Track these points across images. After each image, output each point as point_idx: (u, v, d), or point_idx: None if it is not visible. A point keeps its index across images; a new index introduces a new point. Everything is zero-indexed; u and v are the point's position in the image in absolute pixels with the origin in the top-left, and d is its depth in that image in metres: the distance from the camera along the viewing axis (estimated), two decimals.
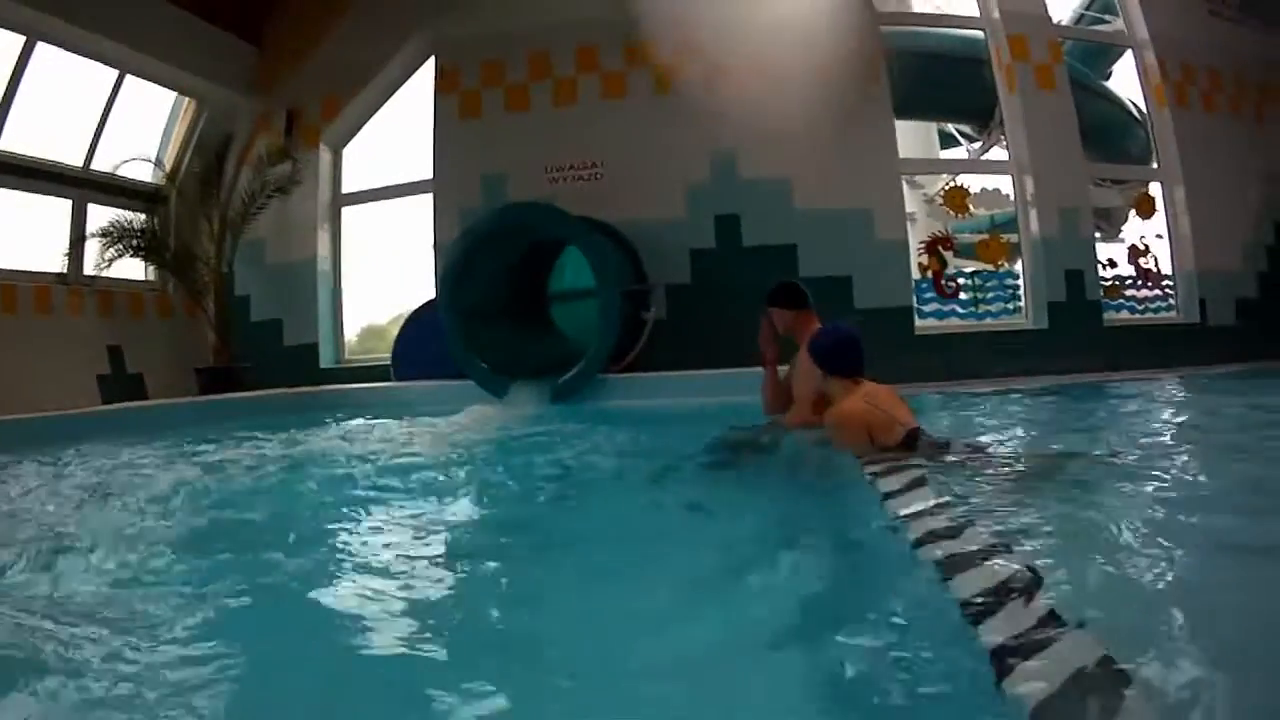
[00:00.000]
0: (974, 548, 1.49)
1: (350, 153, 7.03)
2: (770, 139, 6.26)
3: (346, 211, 6.97)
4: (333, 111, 6.88)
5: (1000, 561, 1.41)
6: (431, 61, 6.68)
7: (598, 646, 1.44)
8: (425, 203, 6.50)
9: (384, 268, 6.96)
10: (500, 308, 5.97)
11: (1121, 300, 7.37)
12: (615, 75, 6.48)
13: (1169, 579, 1.49)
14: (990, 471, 2.45)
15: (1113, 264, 7.42)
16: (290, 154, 6.64)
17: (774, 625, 1.43)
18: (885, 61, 6.64)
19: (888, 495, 2.02)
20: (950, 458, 2.54)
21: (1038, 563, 1.39)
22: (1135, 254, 7.52)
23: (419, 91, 6.70)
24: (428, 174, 6.53)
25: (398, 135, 6.92)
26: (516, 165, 6.39)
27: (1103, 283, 7.11)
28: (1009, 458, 2.82)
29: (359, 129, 6.98)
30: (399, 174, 6.78)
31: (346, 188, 7.00)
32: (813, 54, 6.32)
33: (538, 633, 1.52)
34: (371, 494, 2.85)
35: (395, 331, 6.28)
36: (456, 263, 5.64)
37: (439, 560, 2.05)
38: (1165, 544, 1.68)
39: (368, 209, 6.99)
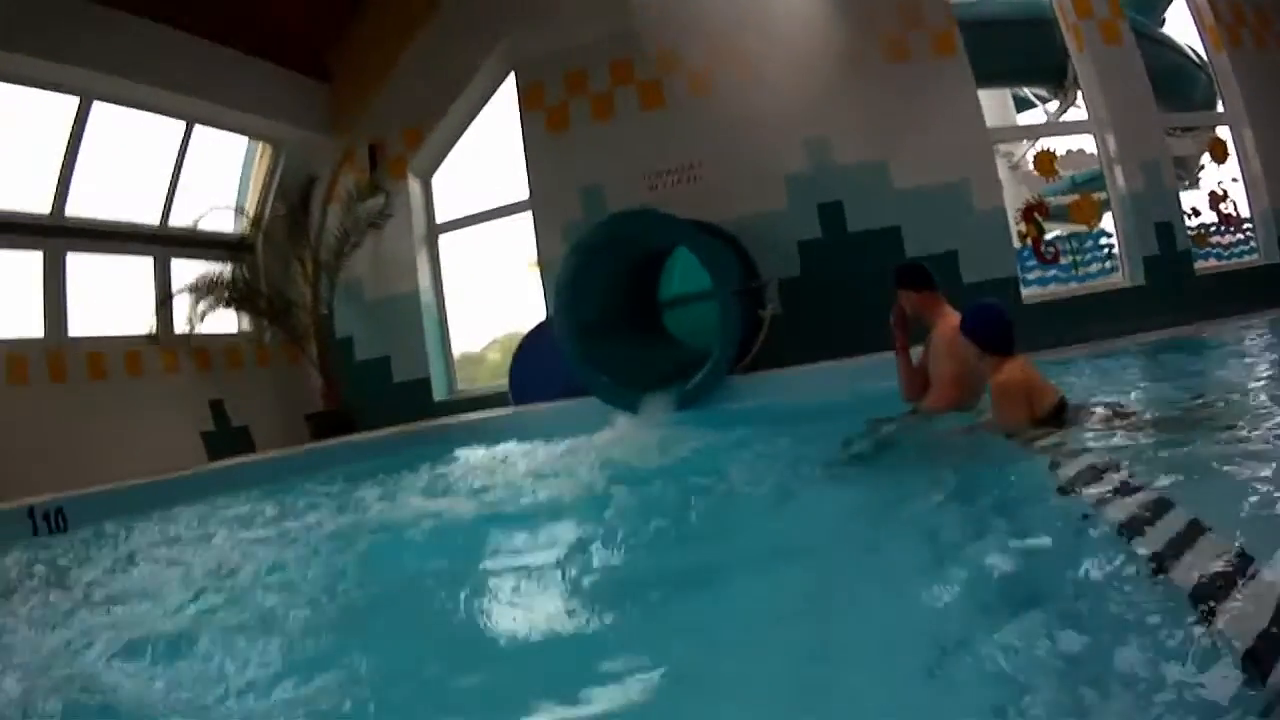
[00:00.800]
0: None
1: (441, 180, 6.94)
2: (860, 121, 6.22)
3: (443, 240, 6.88)
4: (416, 141, 6.81)
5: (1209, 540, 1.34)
6: (512, 79, 6.60)
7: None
8: (521, 222, 6.42)
9: (478, 294, 6.88)
10: (614, 320, 5.90)
11: (1208, 248, 7.33)
12: (699, 73, 6.40)
13: None
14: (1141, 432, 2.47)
15: (1196, 213, 7.37)
16: (379, 187, 6.56)
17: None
18: (960, 33, 6.59)
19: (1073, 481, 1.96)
20: (1097, 422, 2.60)
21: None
22: (1215, 200, 7.46)
23: (504, 110, 6.62)
24: (523, 193, 6.44)
25: (490, 156, 6.83)
26: (612, 174, 6.32)
27: (1189, 232, 7.06)
28: (1154, 417, 2.80)
29: (445, 155, 6.91)
30: (494, 197, 6.69)
31: (440, 216, 6.91)
32: (889, 32, 6.31)
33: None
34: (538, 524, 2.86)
35: (494, 358, 6.22)
36: (569, 279, 5.57)
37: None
38: None
39: (460, 235, 6.90)
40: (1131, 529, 1.49)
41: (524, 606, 2.03)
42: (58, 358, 6.09)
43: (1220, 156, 7.40)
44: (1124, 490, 1.75)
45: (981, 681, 1.21)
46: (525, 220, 6.44)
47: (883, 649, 1.41)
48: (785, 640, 1.56)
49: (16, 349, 5.88)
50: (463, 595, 2.12)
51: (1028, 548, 1.74)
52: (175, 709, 1.57)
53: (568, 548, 2.44)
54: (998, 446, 2.65)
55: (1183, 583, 1.20)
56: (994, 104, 8.27)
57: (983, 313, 2.87)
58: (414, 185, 6.84)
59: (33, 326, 6.17)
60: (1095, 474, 1.96)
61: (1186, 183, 7.78)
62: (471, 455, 4.97)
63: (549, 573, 2.23)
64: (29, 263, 6.25)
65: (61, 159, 6.19)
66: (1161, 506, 1.56)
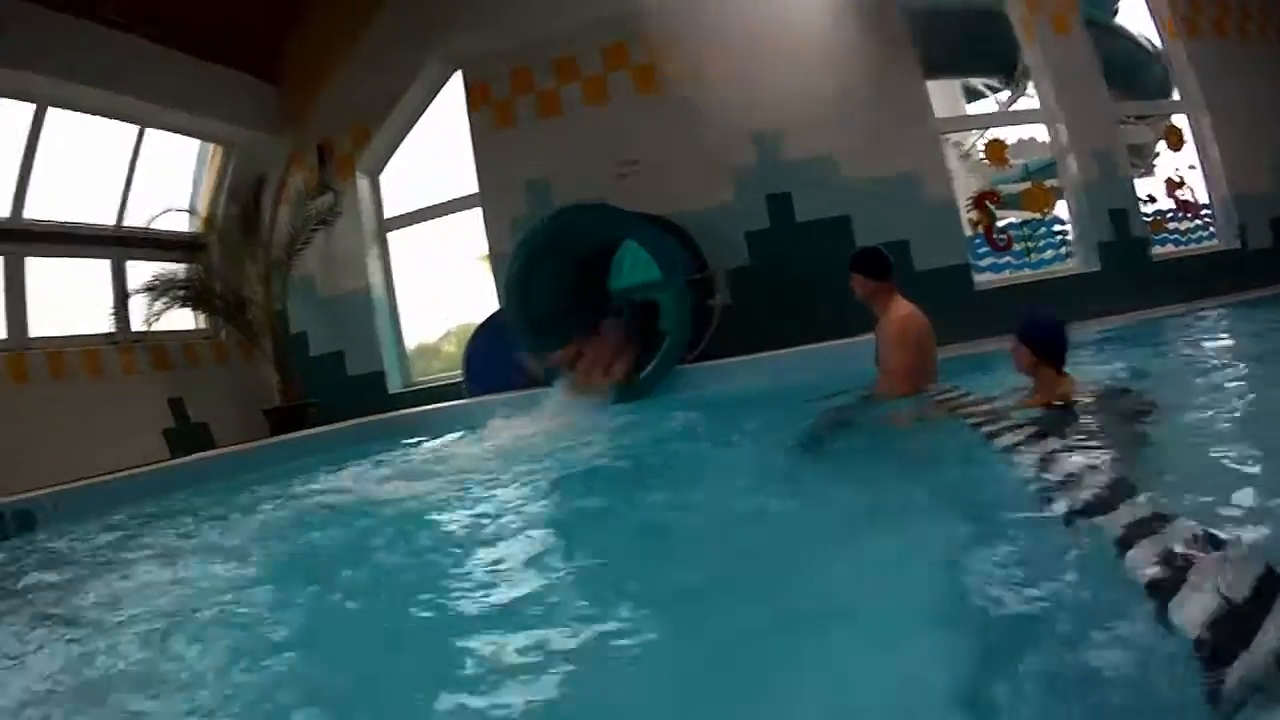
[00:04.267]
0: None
1: (390, 177, 6.95)
2: (809, 116, 6.26)
3: (394, 235, 6.89)
4: (363, 139, 6.83)
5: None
6: (458, 78, 6.63)
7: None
8: (470, 217, 6.44)
9: (431, 286, 6.90)
10: (564, 312, 5.93)
11: (1165, 234, 7.37)
12: (644, 68, 6.44)
13: None
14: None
15: (1152, 199, 7.42)
16: (328, 186, 6.58)
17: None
18: (908, 25, 6.63)
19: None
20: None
21: None
22: (1172, 187, 7.52)
23: (451, 107, 6.64)
24: (472, 188, 6.46)
25: (438, 153, 6.85)
26: (560, 169, 6.35)
27: (1145, 219, 7.10)
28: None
29: (392, 153, 6.93)
30: (443, 191, 6.71)
31: (390, 211, 6.92)
32: (839, 25, 6.35)
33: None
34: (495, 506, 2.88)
35: (449, 349, 6.24)
36: (518, 273, 5.63)
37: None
38: None
39: (409, 231, 6.92)
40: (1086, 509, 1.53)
41: (486, 583, 2.06)
42: (19, 360, 6.10)
43: (1175, 144, 7.47)
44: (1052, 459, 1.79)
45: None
46: (475, 215, 6.46)
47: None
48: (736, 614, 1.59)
49: None
50: (423, 576, 2.19)
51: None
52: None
53: (516, 527, 2.52)
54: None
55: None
56: (943, 94, 8.33)
57: (1045, 324, 2.83)
58: (362, 183, 6.86)
59: None
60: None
61: (1142, 170, 7.84)
62: (424, 445, 5.02)
63: (499, 550, 2.30)
64: None
65: (19, 165, 6.20)
66: (1118, 488, 1.59)
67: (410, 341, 6.98)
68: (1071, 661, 1.14)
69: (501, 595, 1.90)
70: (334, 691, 1.57)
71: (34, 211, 6.40)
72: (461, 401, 5.93)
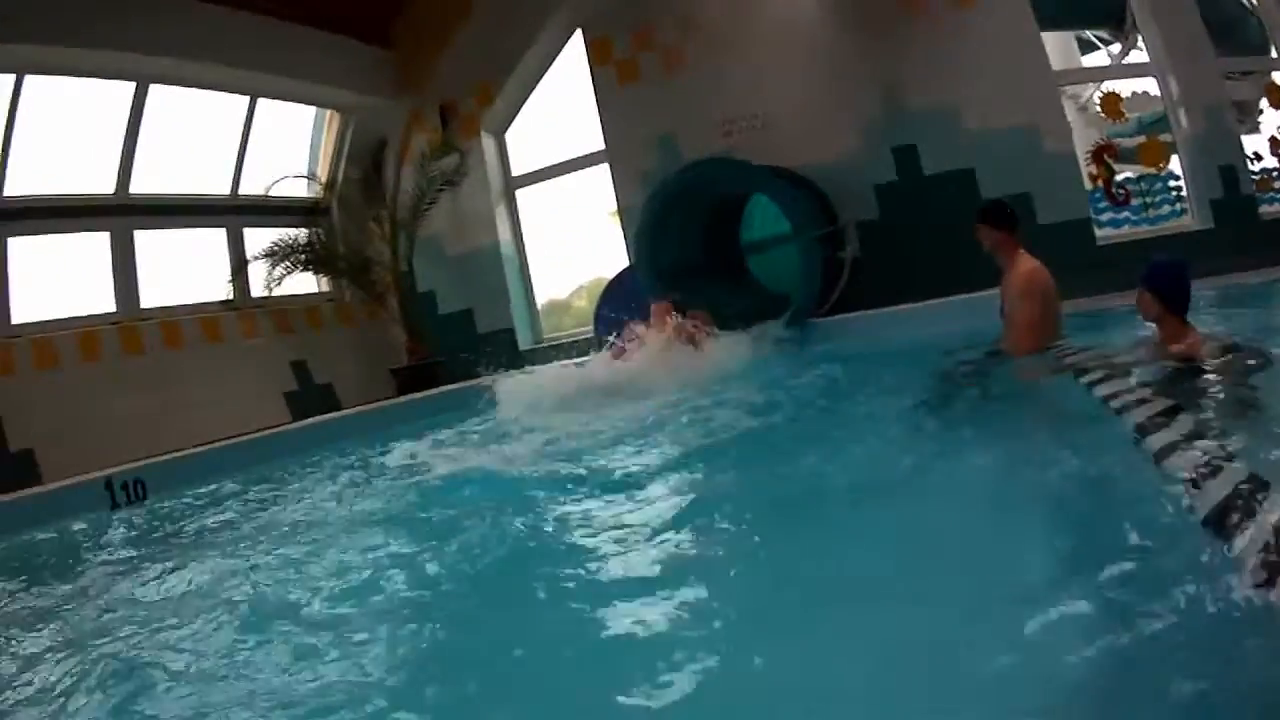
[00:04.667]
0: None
1: (515, 136, 7.00)
2: (933, 66, 6.24)
3: (520, 194, 6.95)
4: (487, 99, 6.88)
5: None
6: (579, 35, 6.66)
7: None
8: (599, 173, 6.48)
9: (560, 243, 6.95)
10: (696, 264, 5.96)
11: (1272, 193, 7.30)
12: (767, 22, 6.44)
13: None
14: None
15: (1258, 157, 7.34)
16: (452, 146, 6.64)
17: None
18: None
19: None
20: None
21: None
22: (1276, 145, 7.43)
23: (575, 64, 6.67)
24: (598, 145, 6.50)
25: (564, 107, 6.89)
26: (686, 124, 6.37)
27: (1252, 176, 7.04)
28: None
29: (517, 112, 6.98)
30: (570, 149, 6.76)
31: (516, 170, 6.97)
32: None
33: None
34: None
35: (580, 305, 6.29)
36: (649, 225, 5.66)
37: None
38: None
39: (537, 188, 6.97)
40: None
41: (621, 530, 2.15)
42: (131, 331, 6.19)
43: (1277, 102, 7.39)
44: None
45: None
46: (603, 171, 6.50)
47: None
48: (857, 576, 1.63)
49: (88, 326, 5.99)
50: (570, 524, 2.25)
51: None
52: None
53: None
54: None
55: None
56: (1058, 46, 8.28)
57: (1173, 269, 2.80)
58: (488, 142, 6.91)
59: (104, 303, 6.29)
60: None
61: (1247, 127, 7.77)
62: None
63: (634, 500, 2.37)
64: (98, 243, 6.37)
65: (123, 141, 6.29)
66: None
67: (540, 298, 7.05)
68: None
69: (645, 555, 1.95)
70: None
71: (145, 186, 6.48)
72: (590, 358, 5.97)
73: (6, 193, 5.68)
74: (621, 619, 1.58)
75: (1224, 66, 7.38)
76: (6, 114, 5.52)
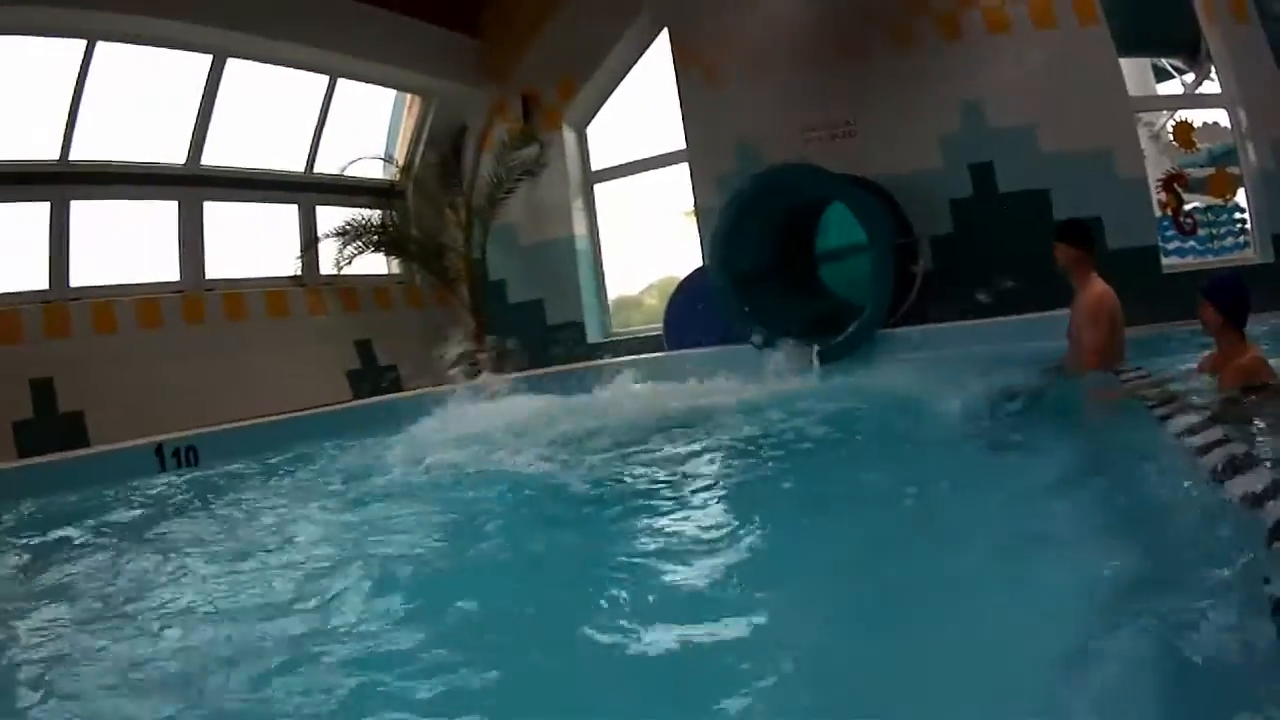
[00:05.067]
0: None
1: (597, 130, 7.09)
2: (1012, 85, 6.30)
3: (597, 189, 7.04)
4: (570, 92, 6.97)
5: None
6: (665, 34, 6.74)
7: None
8: (677, 173, 6.56)
9: (635, 240, 7.03)
10: (769, 270, 6.04)
11: None
12: (855, 32, 6.51)
13: None
14: None
15: None
16: (533, 137, 6.72)
17: None
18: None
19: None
20: None
21: None
22: None
23: (659, 63, 6.74)
24: (679, 144, 6.58)
25: (645, 105, 6.96)
26: (767, 129, 6.42)
27: None
28: None
29: (599, 107, 7.06)
30: (650, 146, 6.83)
31: (596, 165, 7.06)
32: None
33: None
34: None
35: (650, 302, 6.37)
36: (726, 227, 5.73)
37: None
38: None
39: (615, 184, 7.06)
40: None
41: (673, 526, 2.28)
42: (193, 301, 6.26)
43: None
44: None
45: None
46: (682, 170, 6.58)
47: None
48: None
49: (150, 294, 6.07)
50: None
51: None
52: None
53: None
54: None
55: None
56: (1134, 73, 8.32)
57: (1231, 282, 2.94)
58: (569, 135, 7.00)
59: (169, 273, 6.37)
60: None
61: None
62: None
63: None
64: (166, 212, 6.45)
65: (196, 112, 6.35)
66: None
67: (611, 293, 7.14)
68: None
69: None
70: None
71: (219, 159, 6.56)
72: (658, 354, 6.07)
73: (73, 156, 5.71)
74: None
75: None
76: (76, 79, 5.55)
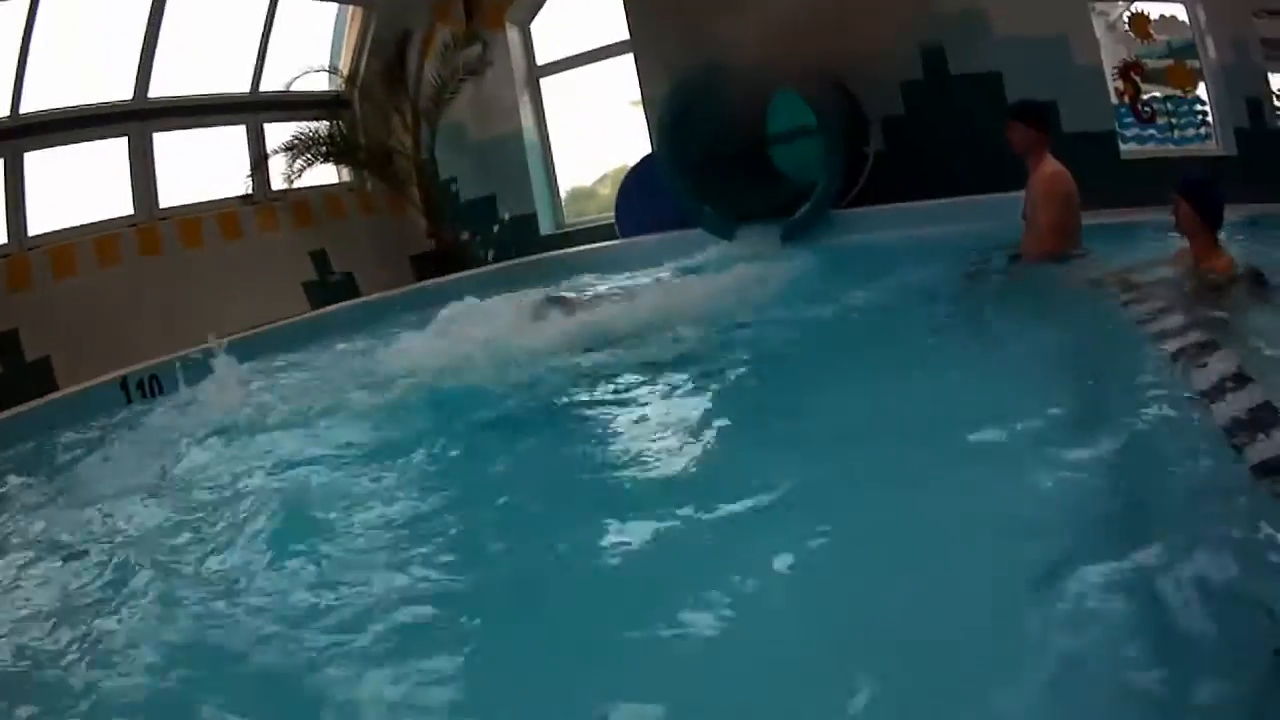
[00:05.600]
0: None
1: (541, 25, 6.99)
2: None
3: (544, 82, 6.94)
4: None
5: None
6: None
7: None
8: (624, 63, 6.47)
9: (585, 130, 6.93)
10: (718, 155, 5.93)
11: None
12: None
13: None
14: None
15: None
16: (476, 36, 6.63)
17: None
18: None
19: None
20: None
21: None
22: None
23: None
24: (623, 35, 6.49)
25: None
26: (712, 16, 6.32)
27: (1277, 112, 6.97)
28: None
29: (543, 3, 6.96)
30: (595, 38, 6.74)
31: (541, 59, 6.97)
32: None
33: None
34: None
35: (604, 192, 6.28)
36: (671, 117, 5.65)
37: None
38: None
39: (564, 76, 6.96)
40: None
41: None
42: (149, 232, 6.21)
43: None
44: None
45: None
46: (628, 61, 6.48)
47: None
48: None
49: (105, 230, 6.03)
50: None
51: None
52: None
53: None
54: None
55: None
56: None
57: (1208, 183, 2.89)
58: (512, 33, 6.90)
59: (122, 207, 6.30)
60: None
61: (1273, 65, 7.72)
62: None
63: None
64: (116, 148, 6.34)
65: (141, 45, 6.23)
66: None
67: (565, 185, 7.06)
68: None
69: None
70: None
71: (164, 89, 6.45)
72: (616, 241, 5.95)
73: (23, 109, 5.65)
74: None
75: (1254, 2, 7.34)
76: (22, 34, 5.49)
